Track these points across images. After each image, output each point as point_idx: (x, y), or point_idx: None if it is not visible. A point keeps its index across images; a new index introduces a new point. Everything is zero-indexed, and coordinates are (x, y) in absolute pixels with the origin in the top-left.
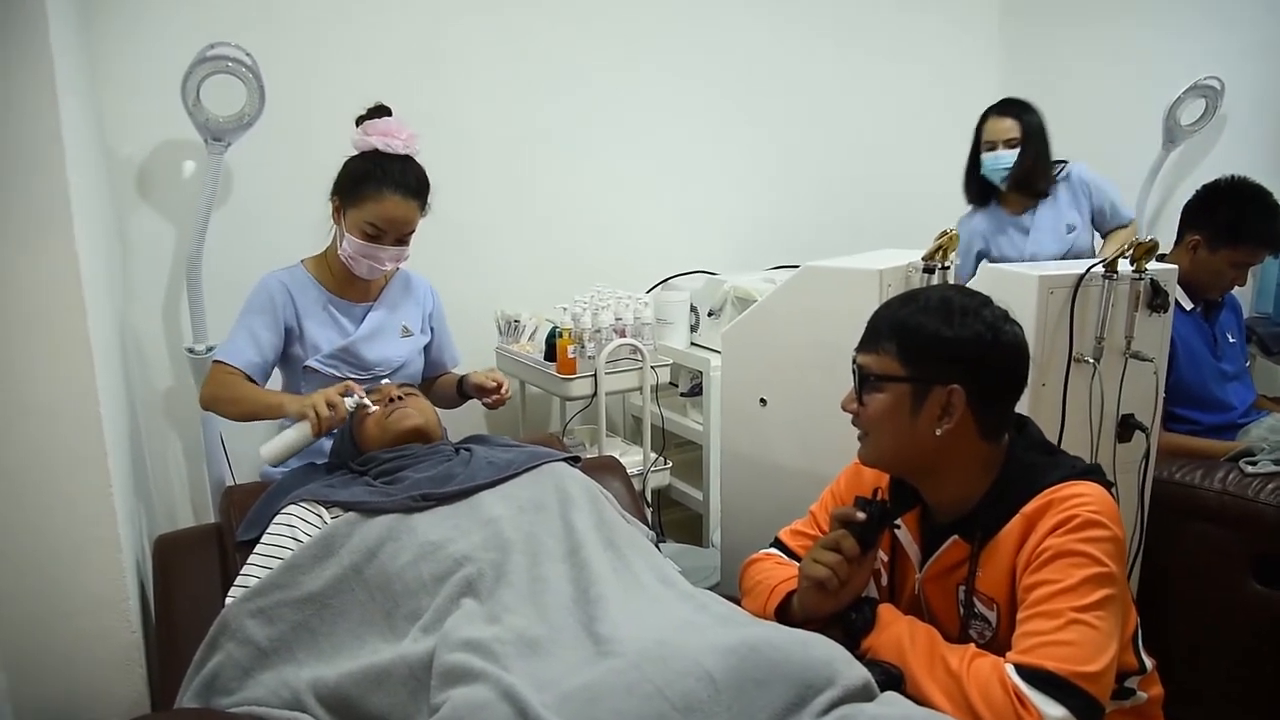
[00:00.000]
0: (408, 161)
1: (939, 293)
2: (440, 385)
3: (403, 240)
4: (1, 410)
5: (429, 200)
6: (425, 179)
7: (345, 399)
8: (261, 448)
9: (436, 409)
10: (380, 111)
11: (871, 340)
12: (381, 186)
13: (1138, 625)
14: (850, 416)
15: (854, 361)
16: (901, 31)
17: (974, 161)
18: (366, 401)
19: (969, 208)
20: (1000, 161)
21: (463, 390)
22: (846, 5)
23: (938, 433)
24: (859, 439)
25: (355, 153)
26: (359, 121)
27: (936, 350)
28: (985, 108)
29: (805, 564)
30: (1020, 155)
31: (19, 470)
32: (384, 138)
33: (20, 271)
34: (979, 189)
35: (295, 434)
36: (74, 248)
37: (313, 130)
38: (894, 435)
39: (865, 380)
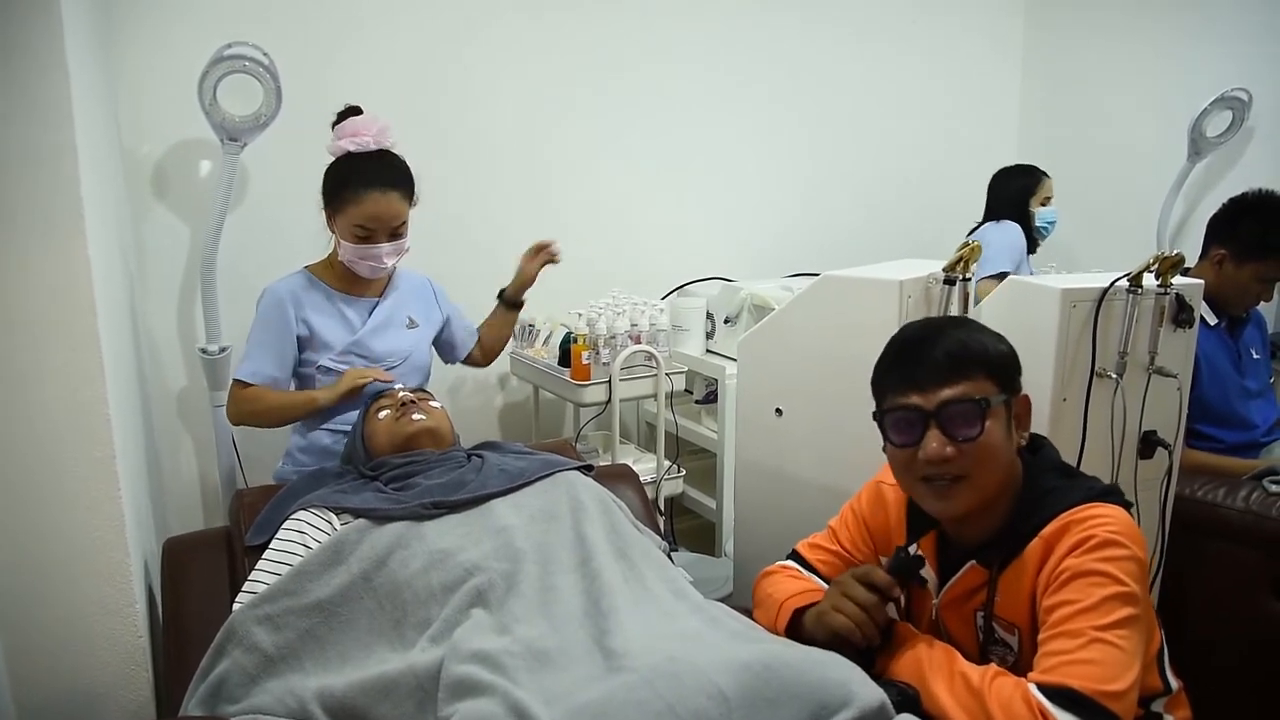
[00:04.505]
0: (382, 156)
1: (947, 319)
2: (487, 335)
3: (397, 234)
4: (11, 412)
5: (415, 189)
6: (403, 169)
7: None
8: None
9: (449, 415)
10: (351, 112)
11: (952, 371)
12: (359, 188)
13: (1163, 646)
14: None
15: (915, 409)
16: (925, 42)
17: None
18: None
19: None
20: (1055, 214)
21: (509, 301)
22: (870, 14)
23: (1022, 443)
24: (941, 491)
25: (332, 159)
26: (333, 126)
27: (1007, 362)
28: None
29: (829, 613)
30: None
31: (28, 472)
32: (354, 138)
33: (32, 272)
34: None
35: None
36: (86, 250)
37: (329, 131)
38: (1001, 463)
39: (976, 409)
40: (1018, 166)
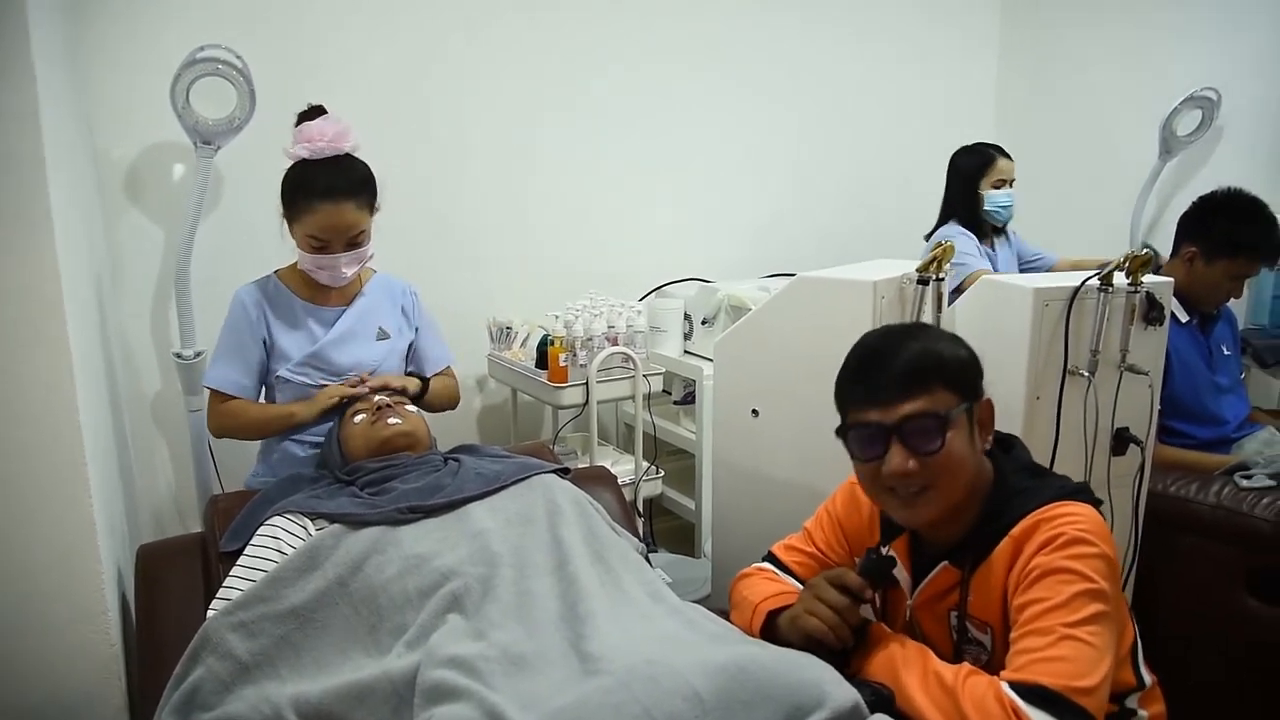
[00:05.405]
0: (338, 163)
1: (903, 328)
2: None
3: (354, 244)
4: None
5: (376, 196)
6: (361, 176)
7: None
8: None
9: (425, 417)
10: (315, 112)
11: (911, 384)
12: (310, 197)
13: (1136, 641)
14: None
15: (876, 425)
16: (902, 41)
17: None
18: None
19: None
20: (1012, 199)
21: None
22: (848, 14)
23: (986, 447)
24: (908, 501)
25: (290, 163)
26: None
27: (967, 369)
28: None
29: (803, 616)
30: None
31: None
32: (308, 144)
33: None
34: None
35: None
36: (54, 252)
37: None
38: (966, 470)
39: (936, 424)
40: (975, 145)
